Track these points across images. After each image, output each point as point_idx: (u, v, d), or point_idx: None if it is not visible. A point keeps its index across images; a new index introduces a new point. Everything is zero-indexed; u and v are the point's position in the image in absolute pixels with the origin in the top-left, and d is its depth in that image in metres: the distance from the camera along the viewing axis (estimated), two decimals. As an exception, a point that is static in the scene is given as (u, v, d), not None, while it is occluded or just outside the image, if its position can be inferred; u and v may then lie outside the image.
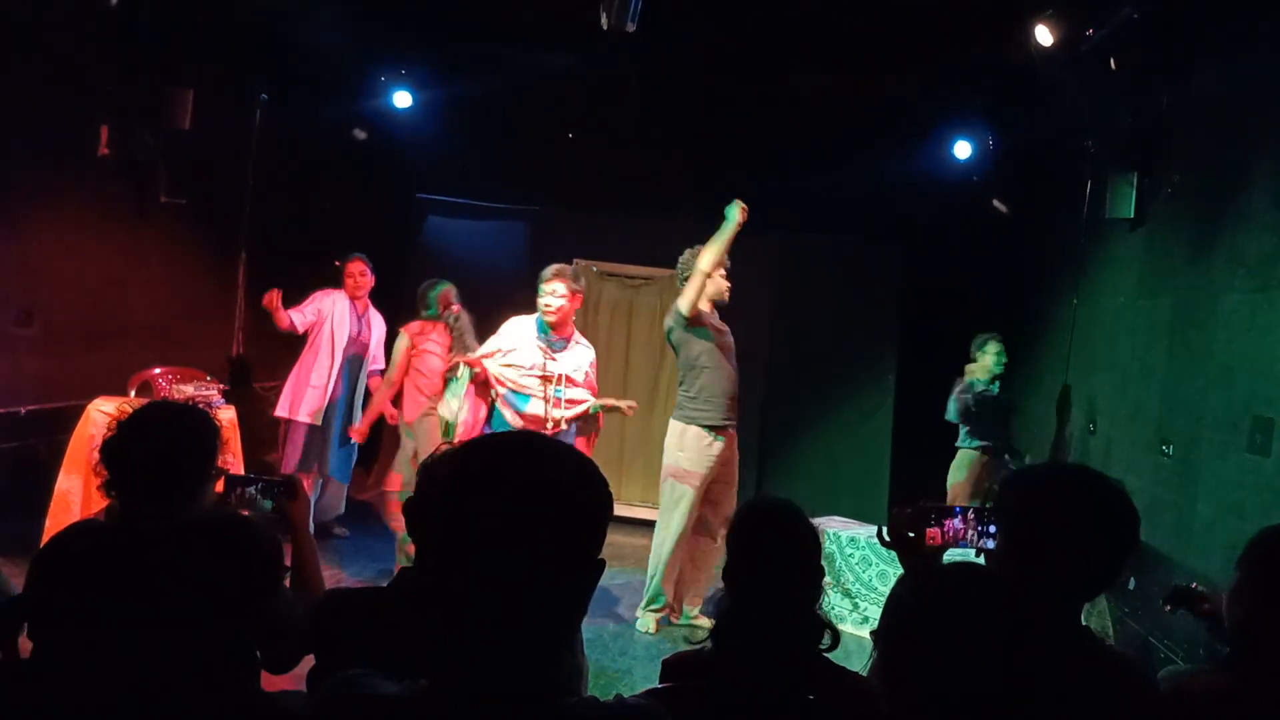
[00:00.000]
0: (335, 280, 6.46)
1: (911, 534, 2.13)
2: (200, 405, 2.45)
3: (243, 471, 5.41)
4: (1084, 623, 1.84)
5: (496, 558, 1.07)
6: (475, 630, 1.09)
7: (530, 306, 5.13)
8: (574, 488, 1.12)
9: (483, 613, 1.08)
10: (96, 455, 2.23)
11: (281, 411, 6.25)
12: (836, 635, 2.00)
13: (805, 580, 1.99)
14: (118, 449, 2.19)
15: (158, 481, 2.17)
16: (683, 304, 5.19)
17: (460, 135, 8.16)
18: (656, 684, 2.02)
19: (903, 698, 1.40)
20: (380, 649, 1.76)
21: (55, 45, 5.39)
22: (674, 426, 5.32)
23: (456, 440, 5.07)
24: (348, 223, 7.83)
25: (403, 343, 5.92)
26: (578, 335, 5.23)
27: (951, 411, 6.57)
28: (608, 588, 5.87)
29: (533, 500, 1.08)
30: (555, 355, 5.04)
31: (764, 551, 1.99)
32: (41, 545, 2.21)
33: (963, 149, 7.77)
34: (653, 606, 5.33)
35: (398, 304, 8.23)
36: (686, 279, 5.22)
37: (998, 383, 6.57)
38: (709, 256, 5.10)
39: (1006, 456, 6.59)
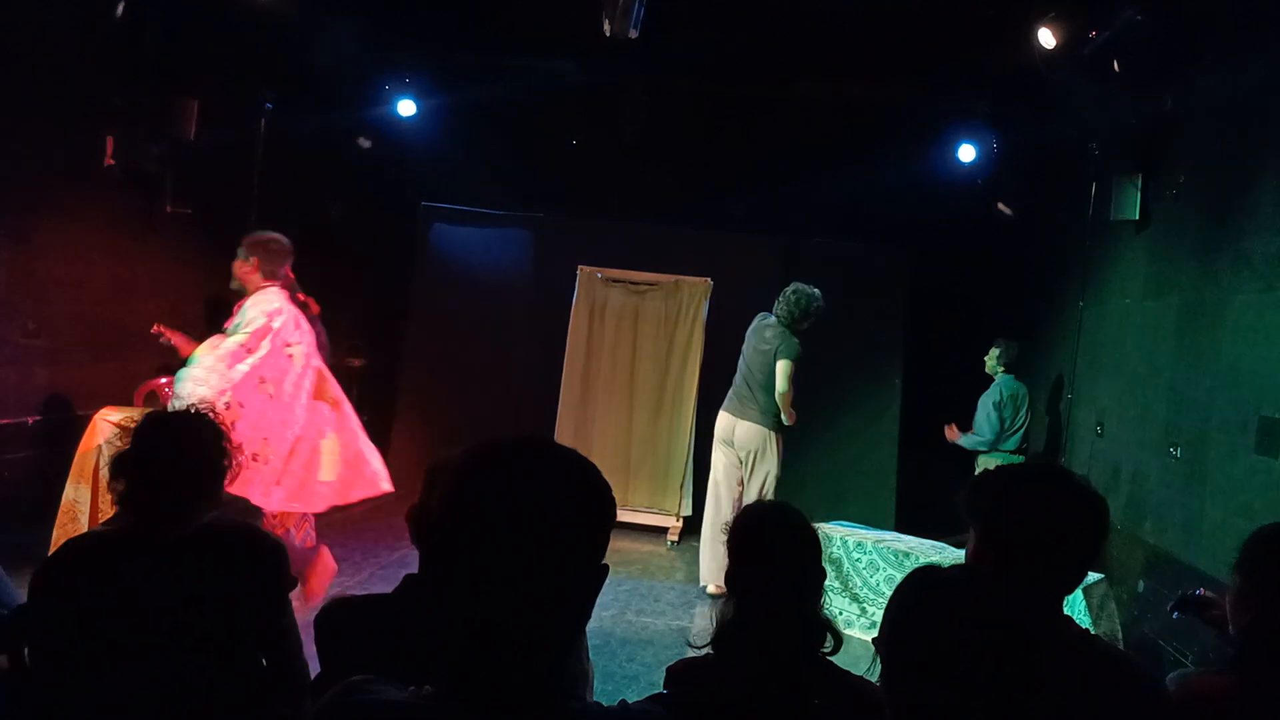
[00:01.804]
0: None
1: None
2: (204, 411, 2.43)
3: None
4: (1094, 625, 1.85)
5: (499, 562, 1.07)
6: (479, 635, 1.09)
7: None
8: (577, 492, 1.12)
9: (486, 617, 1.08)
10: (104, 466, 2.24)
11: None
12: (839, 638, 1.98)
13: (804, 583, 1.98)
14: (128, 462, 2.20)
15: (169, 491, 2.17)
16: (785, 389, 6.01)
17: (465, 143, 8.19)
18: (662, 690, 2.01)
19: (904, 701, 1.40)
20: (384, 655, 1.76)
21: (60, 56, 5.41)
22: (774, 436, 5.99)
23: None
24: (353, 231, 7.85)
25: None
26: (252, 304, 5.00)
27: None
28: (614, 593, 5.87)
29: (535, 504, 1.08)
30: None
31: (761, 555, 1.98)
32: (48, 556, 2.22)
33: (967, 152, 7.78)
34: None
35: (404, 311, 8.26)
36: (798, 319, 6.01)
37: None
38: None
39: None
